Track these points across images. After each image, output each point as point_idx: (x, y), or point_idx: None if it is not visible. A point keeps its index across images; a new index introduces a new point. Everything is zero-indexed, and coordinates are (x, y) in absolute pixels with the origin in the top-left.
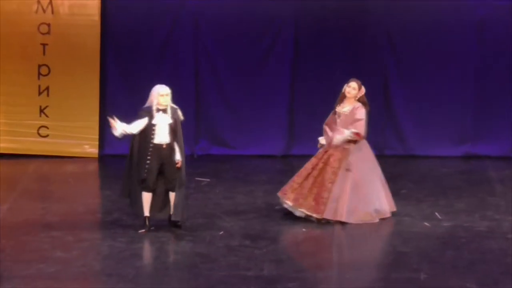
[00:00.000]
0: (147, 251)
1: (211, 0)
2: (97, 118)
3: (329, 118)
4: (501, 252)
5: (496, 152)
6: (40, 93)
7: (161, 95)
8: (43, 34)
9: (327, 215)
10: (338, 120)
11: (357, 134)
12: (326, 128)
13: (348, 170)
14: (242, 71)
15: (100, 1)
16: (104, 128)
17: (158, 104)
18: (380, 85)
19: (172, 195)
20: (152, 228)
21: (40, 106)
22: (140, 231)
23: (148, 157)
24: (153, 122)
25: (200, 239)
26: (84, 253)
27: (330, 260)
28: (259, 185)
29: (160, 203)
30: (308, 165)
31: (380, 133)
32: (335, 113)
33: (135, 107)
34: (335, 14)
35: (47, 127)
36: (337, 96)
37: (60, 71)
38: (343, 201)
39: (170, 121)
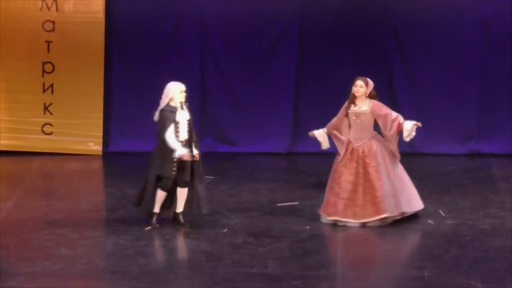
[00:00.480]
0: (151, 248)
1: None
2: (101, 115)
3: (336, 121)
4: (505, 249)
5: (501, 150)
6: (44, 91)
7: (181, 91)
8: (47, 31)
9: (392, 212)
10: (357, 121)
11: (399, 125)
12: (336, 133)
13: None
14: (248, 68)
15: None
16: (108, 126)
17: (179, 101)
18: (385, 82)
19: (181, 191)
20: (157, 225)
21: (45, 104)
22: (146, 228)
23: (174, 157)
24: (177, 119)
25: (205, 236)
26: (88, 250)
27: (334, 258)
28: (263, 182)
29: (169, 201)
30: (344, 177)
31: None
32: (346, 115)
33: (140, 104)
34: (340, 12)
35: (51, 125)
36: (342, 94)
37: (64, 68)
38: (397, 194)
39: (189, 117)
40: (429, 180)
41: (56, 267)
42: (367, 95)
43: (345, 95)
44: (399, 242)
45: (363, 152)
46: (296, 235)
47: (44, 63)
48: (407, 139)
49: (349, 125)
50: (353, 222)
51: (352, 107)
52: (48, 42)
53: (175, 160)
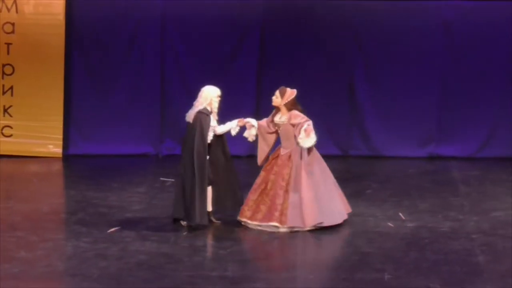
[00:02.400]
0: (111, 251)
1: None
2: (61, 118)
3: (264, 123)
4: (465, 252)
5: (461, 152)
6: (4, 93)
7: (218, 96)
8: (7, 33)
9: (294, 223)
10: (279, 130)
11: (305, 130)
12: (262, 133)
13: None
14: (209, 71)
15: (65, 0)
16: (69, 128)
17: (216, 106)
18: (346, 84)
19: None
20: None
21: (4, 106)
22: (109, 230)
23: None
24: (211, 124)
25: (165, 239)
26: (48, 253)
27: (294, 260)
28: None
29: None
30: (259, 180)
31: (345, 133)
32: (272, 121)
33: (101, 106)
34: (302, 15)
35: (11, 127)
36: (304, 97)
37: (24, 70)
38: (306, 205)
39: (216, 123)
40: (389, 183)
41: (16, 270)
42: (284, 105)
43: (307, 98)
44: (358, 244)
45: (282, 160)
46: (256, 238)
47: (3, 65)
48: (303, 145)
49: (274, 132)
50: (248, 222)
51: (275, 117)
52: (8, 44)
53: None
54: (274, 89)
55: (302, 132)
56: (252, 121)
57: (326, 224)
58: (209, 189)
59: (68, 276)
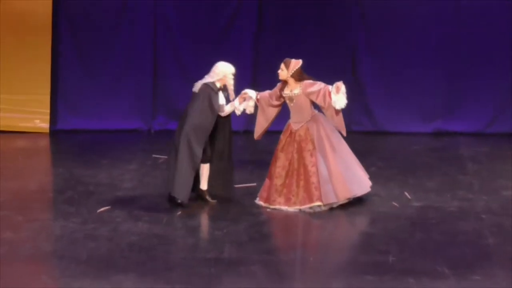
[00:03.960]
0: (101, 232)
1: None
2: (48, 91)
3: (267, 94)
4: (474, 233)
5: (469, 128)
6: None
7: (233, 73)
8: None
9: (329, 199)
10: (291, 104)
11: (337, 87)
12: (263, 104)
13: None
14: (203, 44)
15: None
16: (56, 102)
17: (231, 83)
18: (347, 56)
19: (204, 167)
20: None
21: None
22: (99, 210)
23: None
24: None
25: (157, 219)
26: (34, 234)
27: (294, 242)
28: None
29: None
30: (279, 162)
31: (346, 108)
32: (281, 96)
33: (90, 79)
34: None
35: None
36: (304, 70)
37: (8, 41)
38: (337, 178)
39: (224, 101)
40: (393, 160)
41: (1, 251)
42: (291, 77)
43: (306, 69)
44: (362, 225)
45: (299, 135)
46: (253, 218)
47: None
48: (336, 106)
49: (277, 105)
50: (285, 208)
51: (285, 90)
52: None
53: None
54: (272, 62)
55: (334, 90)
56: (250, 92)
57: (358, 194)
58: (206, 167)
59: (55, 258)
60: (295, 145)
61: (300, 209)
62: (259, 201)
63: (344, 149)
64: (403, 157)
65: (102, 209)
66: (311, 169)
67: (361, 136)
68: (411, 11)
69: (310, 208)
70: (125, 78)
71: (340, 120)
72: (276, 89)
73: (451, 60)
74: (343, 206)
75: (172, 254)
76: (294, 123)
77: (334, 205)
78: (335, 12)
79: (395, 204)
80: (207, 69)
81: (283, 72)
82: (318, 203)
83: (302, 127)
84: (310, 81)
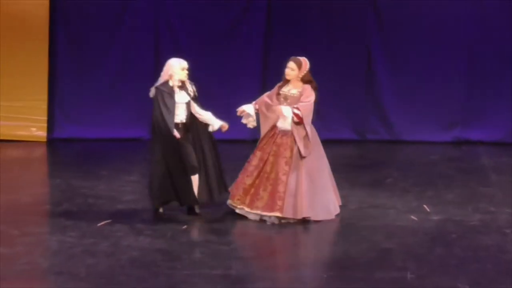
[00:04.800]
0: (101, 247)
1: None
2: (45, 97)
3: (266, 98)
4: (497, 248)
5: (490, 137)
6: None
7: (182, 69)
8: None
9: (287, 212)
10: (285, 104)
11: (297, 115)
12: (264, 109)
13: (304, 157)
14: (208, 44)
15: None
16: (53, 109)
17: (179, 80)
18: (362, 61)
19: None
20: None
21: None
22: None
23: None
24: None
25: (161, 233)
26: (30, 248)
27: (305, 257)
28: (226, 173)
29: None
30: (254, 161)
31: (361, 116)
32: (279, 94)
33: (88, 85)
34: None
35: None
36: (315, 72)
37: (4, 45)
38: (301, 195)
39: (188, 98)
40: (411, 170)
41: None
42: (299, 79)
43: (318, 75)
44: (378, 240)
45: (281, 138)
46: (262, 233)
47: None
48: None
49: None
50: (247, 210)
51: (283, 88)
52: None
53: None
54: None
55: (290, 113)
56: (247, 108)
57: (316, 219)
58: (195, 178)
59: (52, 275)
60: (274, 148)
61: (260, 216)
62: (228, 200)
63: (323, 167)
64: (420, 168)
65: (101, 222)
66: (282, 177)
67: (377, 145)
68: (430, 13)
69: (269, 217)
70: (125, 85)
71: (299, 138)
72: (276, 88)
73: (471, 66)
74: (358, 220)
75: (176, 270)
76: (281, 124)
77: (291, 221)
78: (349, 12)
79: (413, 217)
80: (213, 71)
81: (294, 73)
82: (277, 214)
83: (286, 131)
84: (311, 90)
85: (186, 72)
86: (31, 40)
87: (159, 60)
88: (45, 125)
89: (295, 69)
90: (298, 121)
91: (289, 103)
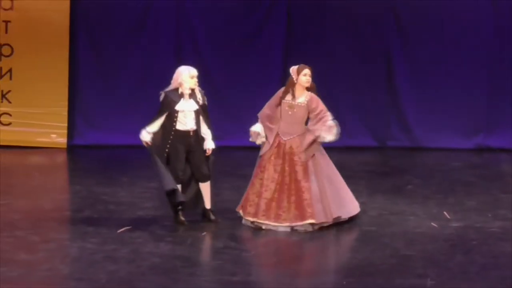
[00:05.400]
0: (121, 253)
1: None
2: (66, 103)
3: (270, 111)
4: None
5: (511, 144)
6: (1, 76)
7: (192, 77)
8: (5, 10)
9: (319, 218)
10: (289, 113)
11: (330, 127)
12: (268, 124)
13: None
14: (229, 49)
15: None
16: (74, 115)
17: (189, 88)
18: (383, 67)
19: (202, 186)
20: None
21: (2, 91)
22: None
23: (168, 146)
24: (177, 108)
25: (181, 240)
26: (51, 255)
27: (325, 264)
28: (246, 180)
29: (193, 197)
30: (267, 174)
31: (382, 122)
32: (279, 104)
33: (109, 91)
34: None
35: (9, 114)
36: (335, 79)
37: (24, 51)
38: (326, 197)
39: (197, 106)
40: (432, 177)
41: (15, 274)
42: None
43: (337, 82)
44: (398, 247)
45: (290, 148)
46: (283, 239)
47: (1, 46)
48: (323, 139)
49: (280, 116)
50: (274, 225)
51: (287, 97)
52: (6, 22)
53: (166, 150)
54: None
55: (326, 128)
56: (257, 129)
57: (345, 216)
58: (205, 185)
59: (73, 281)
60: (286, 158)
61: (291, 227)
62: (246, 217)
63: (333, 169)
64: (441, 175)
65: (122, 229)
66: (304, 184)
67: (398, 152)
68: (451, 19)
69: (302, 226)
70: (146, 91)
71: (308, 141)
72: (276, 98)
73: (493, 72)
74: (379, 227)
75: (195, 276)
76: (284, 132)
77: (325, 225)
78: (368, 18)
79: (434, 224)
80: (233, 77)
81: (310, 80)
82: (311, 220)
83: (293, 139)
84: (316, 97)
85: (196, 80)
86: (52, 46)
87: (181, 64)
88: (66, 131)
89: (311, 75)
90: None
91: (295, 112)
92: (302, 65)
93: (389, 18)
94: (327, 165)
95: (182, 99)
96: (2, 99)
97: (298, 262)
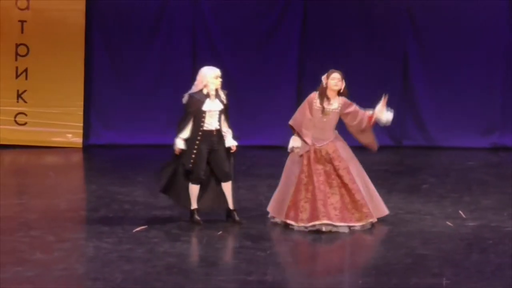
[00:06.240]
0: (137, 253)
1: None
2: (81, 103)
3: (303, 119)
4: None
5: None
6: (17, 76)
7: (216, 77)
8: (21, 10)
9: (376, 214)
10: (324, 119)
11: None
12: (304, 131)
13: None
14: (245, 50)
15: None
16: (89, 115)
17: (214, 88)
18: (398, 67)
19: (225, 186)
20: (201, 222)
21: (18, 91)
22: (135, 230)
23: (195, 146)
24: (204, 108)
25: (197, 239)
26: (66, 254)
27: (341, 264)
28: (262, 179)
29: (214, 196)
30: (315, 179)
31: (398, 122)
32: (311, 110)
33: (125, 91)
34: None
35: (25, 114)
36: (351, 80)
37: (40, 51)
38: (373, 195)
39: (222, 106)
40: (447, 176)
41: (31, 274)
42: (340, 91)
43: (352, 81)
44: (413, 246)
45: (327, 153)
46: (298, 238)
47: (17, 45)
48: (385, 121)
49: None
50: (336, 224)
51: (317, 104)
52: (22, 22)
53: (194, 151)
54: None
55: (380, 105)
56: (296, 144)
57: (385, 213)
58: (227, 185)
59: (88, 281)
60: (327, 164)
61: (349, 227)
62: (299, 224)
63: (364, 172)
64: (457, 174)
65: (138, 228)
66: (353, 186)
67: (413, 151)
68: (466, 16)
69: (361, 226)
70: (162, 90)
71: (372, 137)
72: (307, 103)
73: (508, 72)
74: (395, 226)
75: (212, 276)
76: (317, 139)
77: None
78: (383, 17)
79: (449, 223)
80: (249, 77)
81: (341, 84)
82: (371, 219)
83: (328, 145)
84: (347, 100)
85: (220, 80)
86: (67, 46)
87: (196, 66)
88: (81, 131)
89: (341, 79)
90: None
91: (329, 119)
92: (332, 70)
93: (405, 18)
94: (360, 167)
95: (208, 99)
96: (18, 99)
97: (314, 262)
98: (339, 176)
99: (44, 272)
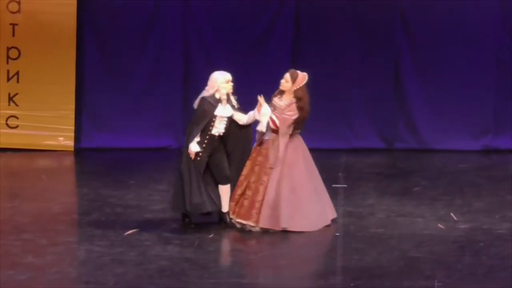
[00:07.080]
0: (129, 256)
1: None
2: (73, 106)
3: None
4: None
5: None
6: (9, 79)
7: (227, 81)
8: (12, 13)
9: (263, 223)
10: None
11: (273, 122)
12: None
13: (271, 168)
14: (238, 52)
15: None
16: (81, 118)
17: (225, 93)
18: (390, 69)
19: (222, 189)
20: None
21: (9, 94)
22: (126, 233)
23: (202, 151)
24: (216, 113)
25: (188, 242)
26: (58, 258)
27: (333, 266)
28: None
29: (214, 198)
30: (245, 171)
31: (390, 124)
32: (270, 101)
33: (117, 94)
34: None
35: (16, 117)
36: (344, 84)
37: (31, 54)
38: (280, 205)
39: (232, 112)
40: (439, 179)
41: (23, 277)
42: (292, 92)
43: (346, 85)
44: (405, 249)
45: (265, 149)
46: (290, 241)
47: (8, 49)
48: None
49: None
50: (233, 218)
51: (276, 97)
52: (13, 25)
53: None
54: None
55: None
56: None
57: (292, 229)
58: (226, 188)
59: (81, 284)
60: (259, 159)
61: (241, 223)
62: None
63: (310, 180)
64: (449, 176)
65: (129, 232)
66: (260, 187)
67: (405, 153)
68: (458, 21)
69: (245, 225)
70: (154, 93)
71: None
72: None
73: (500, 74)
74: (385, 228)
75: (204, 279)
76: (268, 132)
77: (270, 231)
78: (376, 22)
79: (441, 226)
80: (242, 81)
81: (287, 85)
82: (251, 223)
83: (271, 140)
84: (296, 106)
85: (231, 84)
86: (59, 49)
87: (189, 69)
88: (73, 134)
89: (289, 81)
90: (274, 128)
91: (275, 114)
92: (292, 70)
93: (397, 20)
94: (304, 174)
95: (219, 104)
96: (9, 102)
97: (306, 264)
98: (258, 174)
99: (37, 275)
